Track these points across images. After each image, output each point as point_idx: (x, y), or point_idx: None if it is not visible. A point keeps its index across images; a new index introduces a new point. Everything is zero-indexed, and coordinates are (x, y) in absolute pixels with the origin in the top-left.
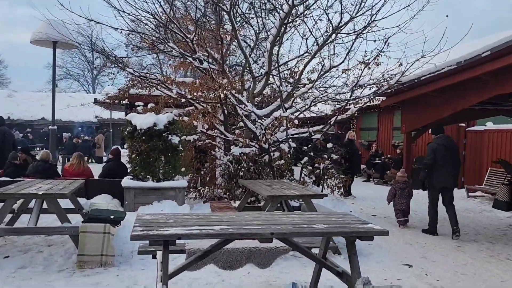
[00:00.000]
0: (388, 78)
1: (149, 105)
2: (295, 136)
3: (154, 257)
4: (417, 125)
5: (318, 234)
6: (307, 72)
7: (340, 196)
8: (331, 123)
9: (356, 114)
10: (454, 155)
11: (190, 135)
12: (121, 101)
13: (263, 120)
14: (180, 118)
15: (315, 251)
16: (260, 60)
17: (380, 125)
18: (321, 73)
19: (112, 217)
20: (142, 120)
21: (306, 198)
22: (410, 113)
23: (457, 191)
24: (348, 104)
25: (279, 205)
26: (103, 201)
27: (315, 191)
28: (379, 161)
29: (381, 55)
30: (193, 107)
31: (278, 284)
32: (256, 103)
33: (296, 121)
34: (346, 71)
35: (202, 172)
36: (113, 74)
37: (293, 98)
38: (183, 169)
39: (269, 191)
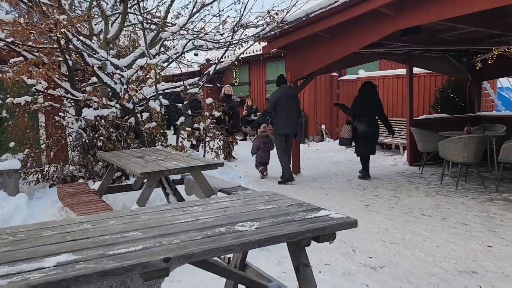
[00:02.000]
0: (275, 15)
1: None
2: (167, 91)
3: None
4: (304, 72)
5: (250, 244)
6: (173, 17)
7: (224, 160)
8: (210, 72)
9: (236, 63)
10: (295, 105)
11: (21, 96)
12: None
13: (123, 71)
14: (3, 74)
15: None
16: None
17: (252, 79)
18: (193, 11)
19: None
20: None
21: (196, 170)
22: (297, 58)
23: (333, 143)
24: (229, 50)
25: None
26: None
27: (206, 160)
28: (255, 118)
29: None
30: (21, 58)
31: None
32: (112, 55)
33: (167, 72)
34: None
35: (43, 146)
36: None
37: (161, 42)
38: (12, 144)
39: (142, 166)
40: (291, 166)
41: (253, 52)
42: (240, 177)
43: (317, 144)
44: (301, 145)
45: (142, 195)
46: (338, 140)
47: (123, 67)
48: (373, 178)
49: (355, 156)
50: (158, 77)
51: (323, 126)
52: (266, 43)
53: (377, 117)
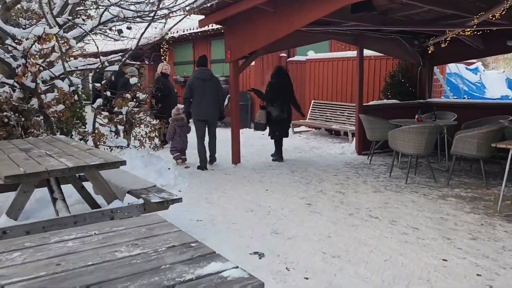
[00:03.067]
0: None
1: None
2: (81, 69)
3: None
4: (245, 51)
5: None
6: None
7: (154, 149)
8: (132, 48)
9: (167, 38)
10: (211, 88)
11: None
12: None
13: (21, 42)
14: None
15: None
16: None
17: (196, 58)
18: None
19: None
20: None
21: (88, 171)
22: (237, 35)
23: None
24: (156, 22)
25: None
26: None
27: (106, 157)
28: None
29: None
30: None
31: None
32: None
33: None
34: None
35: None
36: None
37: (68, 8)
38: None
39: (13, 165)
40: (231, 154)
41: (197, 28)
42: (169, 168)
43: None
44: (246, 130)
45: (14, 203)
46: None
47: (22, 38)
48: (318, 169)
49: (302, 143)
50: (69, 52)
51: None
52: (203, 17)
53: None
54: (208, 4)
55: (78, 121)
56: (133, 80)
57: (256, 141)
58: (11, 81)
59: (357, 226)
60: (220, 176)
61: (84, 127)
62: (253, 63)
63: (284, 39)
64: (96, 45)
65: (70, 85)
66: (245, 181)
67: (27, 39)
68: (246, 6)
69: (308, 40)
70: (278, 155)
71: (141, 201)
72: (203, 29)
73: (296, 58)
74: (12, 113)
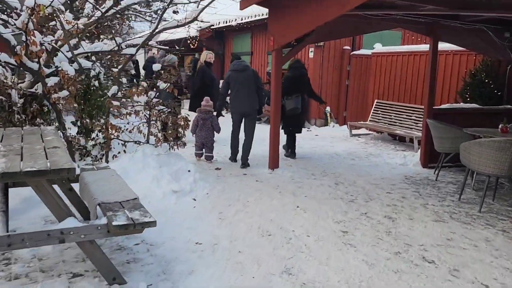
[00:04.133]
0: None
1: None
2: (88, 51)
3: None
4: (289, 37)
5: None
6: None
7: (174, 146)
8: (156, 29)
9: (202, 21)
10: (246, 79)
11: None
12: None
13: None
14: None
15: None
16: None
17: (254, 49)
18: None
19: None
20: None
21: (18, 179)
22: (281, 18)
23: (339, 129)
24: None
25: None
26: None
27: (58, 160)
28: None
29: None
30: None
31: None
32: None
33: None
34: None
35: None
36: None
37: None
38: None
39: None
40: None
41: (256, 16)
42: (189, 170)
43: (319, 130)
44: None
45: None
46: (343, 126)
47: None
48: (370, 183)
49: (358, 148)
50: (67, 23)
51: (328, 109)
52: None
53: (306, 95)
54: None
55: (100, 111)
56: (156, 67)
57: (306, 143)
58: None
59: (402, 273)
60: (249, 183)
61: (104, 118)
62: (311, 55)
63: (339, 24)
64: (109, 24)
65: (79, 70)
66: (275, 193)
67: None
68: None
69: (370, 28)
70: (291, 151)
71: (104, 220)
72: (262, 17)
73: (361, 51)
74: (4, 98)
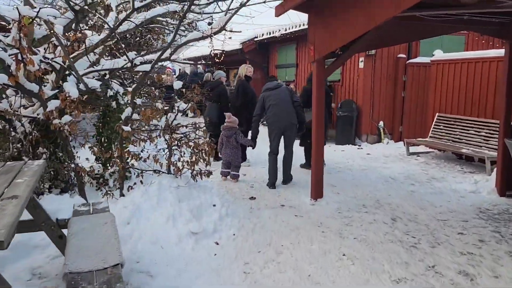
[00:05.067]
0: None
1: None
2: (96, 70)
3: None
4: (333, 45)
5: None
6: None
7: (196, 176)
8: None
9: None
10: (279, 95)
11: None
12: None
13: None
14: None
15: None
16: None
17: (299, 61)
18: None
19: None
20: None
21: None
22: (323, 23)
23: (393, 146)
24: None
25: None
26: None
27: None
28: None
29: None
30: None
31: None
32: None
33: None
34: None
35: None
36: None
37: None
38: None
39: None
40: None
41: (302, 25)
42: (214, 205)
43: (371, 147)
44: (349, 148)
45: None
46: (399, 143)
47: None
48: (435, 218)
49: (418, 170)
50: (91, 47)
51: (381, 123)
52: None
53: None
54: None
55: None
56: (177, 85)
57: (356, 163)
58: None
59: None
60: (286, 218)
61: (116, 144)
62: (361, 65)
63: (391, 29)
64: (121, 43)
65: (86, 90)
66: (317, 233)
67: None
68: None
69: (429, 31)
70: (309, 165)
71: None
72: (307, 26)
73: (419, 59)
74: (5, 122)
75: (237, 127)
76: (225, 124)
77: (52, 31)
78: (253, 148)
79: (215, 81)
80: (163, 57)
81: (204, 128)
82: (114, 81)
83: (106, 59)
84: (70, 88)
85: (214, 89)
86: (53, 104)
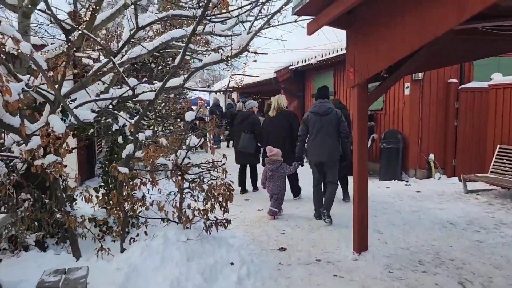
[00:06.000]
0: None
1: None
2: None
3: None
4: (378, 66)
5: None
6: None
7: (210, 228)
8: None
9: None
10: (327, 124)
11: None
12: None
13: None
14: None
15: None
16: None
17: (337, 88)
18: None
19: None
20: None
21: None
22: (365, 41)
23: (447, 182)
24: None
25: None
26: None
27: None
28: None
29: None
30: None
31: None
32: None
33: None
34: None
35: None
36: None
37: None
38: None
39: None
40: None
41: (340, 50)
42: (232, 263)
43: (420, 183)
44: (395, 185)
45: None
46: (452, 179)
47: None
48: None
49: (480, 211)
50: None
51: (431, 156)
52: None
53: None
54: None
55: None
56: (190, 116)
57: (406, 204)
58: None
59: None
60: (323, 280)
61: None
62: (407, 91)
63: (446, 46)
64: (114, 62)
65: (77, 124)
66: None
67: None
68: None
69: (492, 49)
70: (346, 197)
71: None
72: (344, 51)
73: (473, 84)
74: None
75: (282, 159)
76: (268, 157)
77: (18, 50)
78: (302, 166)
79: (246, 110)
80: (175, 84)
81: (224, 166)
82: (121, 113)
83: (116, 88)
84: (55, 121)
85: (246, 119)
86: (34, 142)
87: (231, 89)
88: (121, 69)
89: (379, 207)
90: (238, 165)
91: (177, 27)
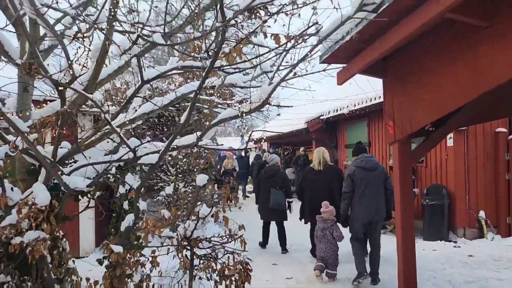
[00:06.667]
0: None
1: None
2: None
3: None
4: (423, 119)
5: None
6: None
7: None
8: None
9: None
10: (374, 180)
11: None
12: None
13: None
14: None
15: None
16: None
17: (371, 139)
18: None
19: None
20: None
21: None
22: (406, 90)
23: (502, 243)
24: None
25: None
26: None
27: None
28: None
29: None
30: None
31: None
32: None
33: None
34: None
35: None
36: None
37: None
38: None
39: None
40: None
41: (372, 100)
42: None
43: (471, 245)
44: (441, 246)
45: None
46: (508, 239)
47: None
48: None
49: None
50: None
51: (481, 214)
52: (341, 67)
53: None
54: (345, 37)
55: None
56: (201, 181)
57: (456, 272)
58: None
59: None
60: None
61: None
62: (450, 142)
63: (501, 95)
64: (106, 118)
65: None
66: None
67: None
68: (422, 20)
69: None
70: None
71: None
72: (380, 100)
73: None
74: None
75: (335, 219)
76: (321, 214)
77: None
78: (345, 227)
79: (273, 165)
80: (188, 142)
81: (243, 238)
82: (127, 175)
83: (124, 147)
84: (39, 191)
85: (275, 175)
86: (12, 216)
87: (249, 148)
88: (133, 125)
89: (426, 276)
90: (249, 218)
91: (196, 79)
